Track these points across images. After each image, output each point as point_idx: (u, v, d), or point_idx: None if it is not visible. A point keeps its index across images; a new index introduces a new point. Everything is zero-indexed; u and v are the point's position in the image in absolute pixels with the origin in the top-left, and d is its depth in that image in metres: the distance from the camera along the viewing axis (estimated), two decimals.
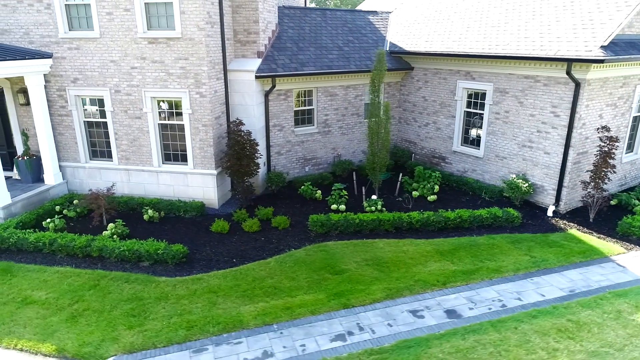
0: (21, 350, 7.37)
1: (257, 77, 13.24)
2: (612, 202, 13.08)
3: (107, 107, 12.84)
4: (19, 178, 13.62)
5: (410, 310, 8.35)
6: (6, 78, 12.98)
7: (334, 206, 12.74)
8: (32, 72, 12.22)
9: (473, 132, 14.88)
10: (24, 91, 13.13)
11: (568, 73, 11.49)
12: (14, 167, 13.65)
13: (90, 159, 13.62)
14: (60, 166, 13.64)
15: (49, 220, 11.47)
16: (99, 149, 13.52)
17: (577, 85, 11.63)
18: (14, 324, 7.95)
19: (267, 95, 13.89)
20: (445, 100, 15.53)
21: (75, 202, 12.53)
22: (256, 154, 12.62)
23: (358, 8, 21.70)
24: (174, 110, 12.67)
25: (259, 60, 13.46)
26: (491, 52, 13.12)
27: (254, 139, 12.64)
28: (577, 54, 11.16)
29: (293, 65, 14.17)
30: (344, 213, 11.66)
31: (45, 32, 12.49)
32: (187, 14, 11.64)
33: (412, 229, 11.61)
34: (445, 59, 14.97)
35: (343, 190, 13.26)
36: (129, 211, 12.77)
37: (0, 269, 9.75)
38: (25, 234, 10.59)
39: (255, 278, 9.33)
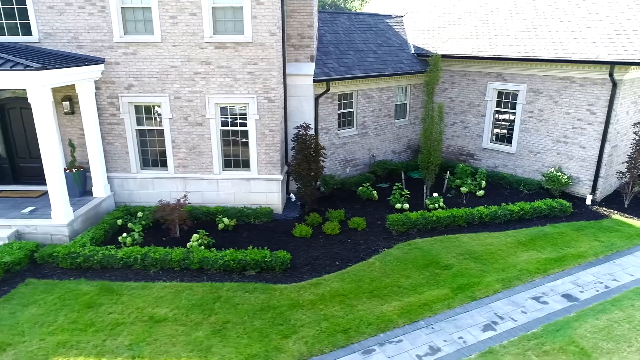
0: None
1: (313, 81, 13.34)
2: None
3: (165, 114, 12.36)
4: None
5: (532, 297, 8.99)
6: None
7: (397, 205, 13.16)
8: (84, 80, 11.50)
9: (504, 130, 15.91)
10: (69, 99, 12.29)
11: (610, 75, 12.72)
12: None
13: (141, 169, 13.01)
14: (107, 177, 12.92)
15: (125, 235, 10.90)
16: (151, 158, 12.96)
17: (614, 85, 12.91)
18: (159, 343, 7.63)
19: (317, 99, 14.00)
20: (474, 100, 16.44)
21: (139, 214, 11.94)
22: (322, 157, 12.75)
23: (364, 11, 22.17)
24: (237, 116, 12.45)
25: (313, 64, 13.55)
26: (530, 55, 14.15)
27: (320, 143, 12.75)
28: (620, 57, 12.40)
29: (342, 69, 14.41)
30: (420, 211, 12.12)
31: (97, 37, 11.80)
32: (258, 18, 11.53)
33: (482, 222, 12.32)
34: (476, 61, 15.87)
35: (405, 190, 13.70)
36: (193, 220, 12.38)
37: (100, 288, 9.20)
38: (110, 251, 10.03)
39: (372, 278, 9.55)
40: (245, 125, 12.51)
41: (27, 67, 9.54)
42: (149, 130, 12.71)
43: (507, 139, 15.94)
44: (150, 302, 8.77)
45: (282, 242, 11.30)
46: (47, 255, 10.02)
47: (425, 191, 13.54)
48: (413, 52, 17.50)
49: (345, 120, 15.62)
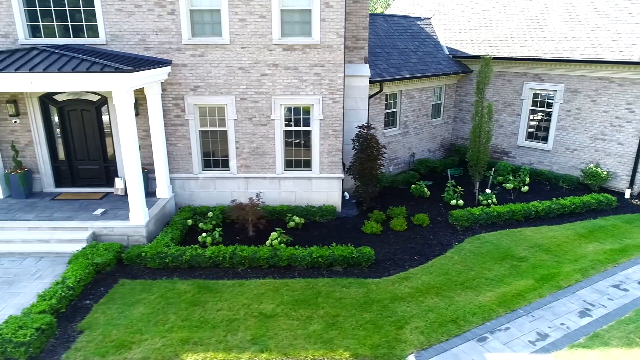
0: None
1: (369, 81, 13.69)
2: None
3: (230, 115, 12.53)
4: (122, 194, 12.76)
5: (611, 285, 9.54)
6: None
7: (452, 202, 13.62)
8: (154, 81, 11.58)
9: (539, 128, 16.56)
10: (135, 101, 12.33)
11: None
12: (117, 182, 12.73)
13: (202, 170, 13.14)
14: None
15: (204, 234, 11.05)
16: (213, 158, 13.10)
17: None
18: (280, 337, 7.86)
19: (368, 99, 14.34)
20: (509, 99, 17.05)
21: (209, 214, 12.08)
22: (382, 156, 13.10)
23: (390, 12, 22.58)
24: (301, 117, 12.71)
25: (367, 66, 13.89)
26: (570, 57, 14.80)
27: (380, 142, 13.11)
28: None
29: (392, 70, 14.81)
30: (480, 207, 12.61)
31: (165, 39, 11.89)
32: (327, 21, 11.82)
33: (538, 217, 12.88)
34: (512, 62, 16.47)
35: (458, 187, 14.18)
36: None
37: (197, 287, 9.36)
38: (197, 250, 10.18)
39: (458, 271, 9.96)
40: (308, 125, 12.77)
41: (117, 70, 9.63)
42: (211, 131, 12.84)
43: (542, 136, 16.59)
44: (253, 298, 8.98)
45: (354, 238, 11.61)
46: (135, 255, 10.12)
47: (477, 188, 14.03)
48: (447, 53, 18.02)
49: (389, 120, 16.01)
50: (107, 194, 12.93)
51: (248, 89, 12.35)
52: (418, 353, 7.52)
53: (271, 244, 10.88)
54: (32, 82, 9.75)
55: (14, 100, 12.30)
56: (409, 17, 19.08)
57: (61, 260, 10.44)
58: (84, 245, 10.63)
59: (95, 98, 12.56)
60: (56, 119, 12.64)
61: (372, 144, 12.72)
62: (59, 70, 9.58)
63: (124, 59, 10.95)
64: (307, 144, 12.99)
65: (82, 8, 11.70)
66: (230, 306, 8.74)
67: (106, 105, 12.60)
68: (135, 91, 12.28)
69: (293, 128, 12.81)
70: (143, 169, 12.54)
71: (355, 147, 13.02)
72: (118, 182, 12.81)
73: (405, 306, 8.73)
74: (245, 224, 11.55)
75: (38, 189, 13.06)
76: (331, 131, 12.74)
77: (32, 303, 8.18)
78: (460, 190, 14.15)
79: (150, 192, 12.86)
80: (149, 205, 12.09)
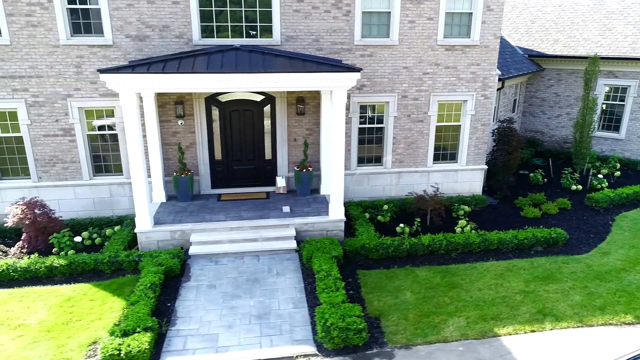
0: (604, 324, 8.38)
1: (498, 79, 14.80)
2: None
3: (391, 113, 13.12)
4: (284, 192, 12.97)
5: None
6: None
7: (573, 187, 15.07)
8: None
9: (609, 119, 18.52)
10: (302, 100, 12.59)
11: None
12: (278, 181, 12.89)
13: (357, 166, 13.61)
14: None
15: (402, 225, 11.60)
16: (367, 155, 13.60)
17: None
18: (559, 308, 8.73)
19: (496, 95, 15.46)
20: (581, 94, 18.86)
21: (385, 207, 12.61)
22: (519, 149, 14.24)
23: None
24: (453, 113, 13.57)
25: None
26: None
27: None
28: None
29: (504, 69, 16.00)
30: (608, 190, 14.12)
31: (337, 39, 12.28)
32: (487, 23, 12.77)
33: None
34: (586, 60, 18.28)
35: (575, 174, 15.65)
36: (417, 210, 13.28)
37: (438, 272, 9.99)
38: (412, 239, 10.76)
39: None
40: (457, 120, 13.65)
41: (349, 69, 10.00)
42: (367, 128, 13.36)
43: (613, 127, 18.55)
44: (496, 278, 9.77)
45: (519, 223, 12.64)
46: (359, 247, 10.52)
47: (590, 174, 15.59)
48: (521, 53, 19.56)
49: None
50: (269, 192, 13.05)
51: (410, 87, 13.01)
52: None
53: (462, 230, 11.68)
54: (262, 82, 9.89)
55: (181, 101, 12.14)
56: None
57: (279, 257, 10.61)
58: (292, 241, 10.86)
59: (259, 98, 12.65)
60: (217, 119, 12.59)
61: (514, 137, 13.84)
62: (294, 70, 9.80)
63: (316, 59, 11.23)
64: (455, 138, 13.86)
65: (258, 9, 11.82)
66: (486, 286, 9.48)
67: (269, 105, 12.73)
68: (303, 91, 12.53)
69: (444, 123, 13.63)
70: (308, 166, 12.81)
71: (497, 139, 14.06)
72: (279, 181, 12.97)
73: (633, 275, 9.92)
74: (425, 214, 12.22)
75: (196, 191, 12.92)
76: (480, 125, 13.70)
77: (328, 296, 8.40)
78: (577, 177, 15.65)
79: (311, 189, 13.13)
80: (323, 202, 12.41)
